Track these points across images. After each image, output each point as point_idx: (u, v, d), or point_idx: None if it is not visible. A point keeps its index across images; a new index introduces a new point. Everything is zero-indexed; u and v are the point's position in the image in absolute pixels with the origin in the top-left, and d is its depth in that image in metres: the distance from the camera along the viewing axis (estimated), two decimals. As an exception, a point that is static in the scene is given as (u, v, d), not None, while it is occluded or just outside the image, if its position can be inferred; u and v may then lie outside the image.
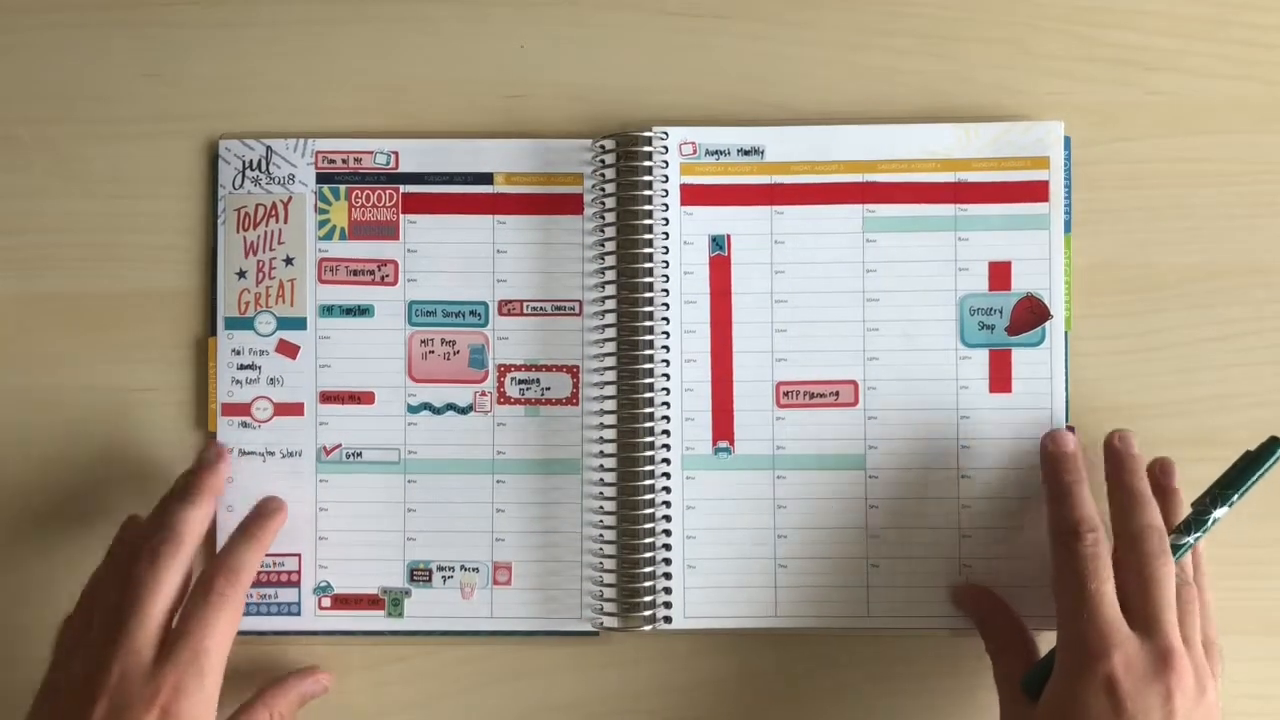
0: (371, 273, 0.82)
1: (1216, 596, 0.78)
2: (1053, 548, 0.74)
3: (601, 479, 0.80)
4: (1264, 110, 0.82)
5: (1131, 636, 0.69)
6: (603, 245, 0.80)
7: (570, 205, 0.82)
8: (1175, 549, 0.72)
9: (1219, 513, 0.74)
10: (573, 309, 0.82)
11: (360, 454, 0.82)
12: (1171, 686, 0.67)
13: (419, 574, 0.82)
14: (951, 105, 0.82)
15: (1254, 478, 0.74)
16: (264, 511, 0.80)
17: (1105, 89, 0.82)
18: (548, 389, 0.82)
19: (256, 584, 0.81)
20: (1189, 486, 0.79)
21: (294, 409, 0.82)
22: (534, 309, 0.82)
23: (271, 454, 0.82)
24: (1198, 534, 0.74)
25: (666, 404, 0.80)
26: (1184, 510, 0.76)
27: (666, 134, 0.81)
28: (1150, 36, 0.82)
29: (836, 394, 0.80)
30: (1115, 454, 0.78)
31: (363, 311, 0.82)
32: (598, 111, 0.83)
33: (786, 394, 0.81)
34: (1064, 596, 0.72)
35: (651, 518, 0.80)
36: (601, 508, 0.80)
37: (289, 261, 0.82)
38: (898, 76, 0.82)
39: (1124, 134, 0.82)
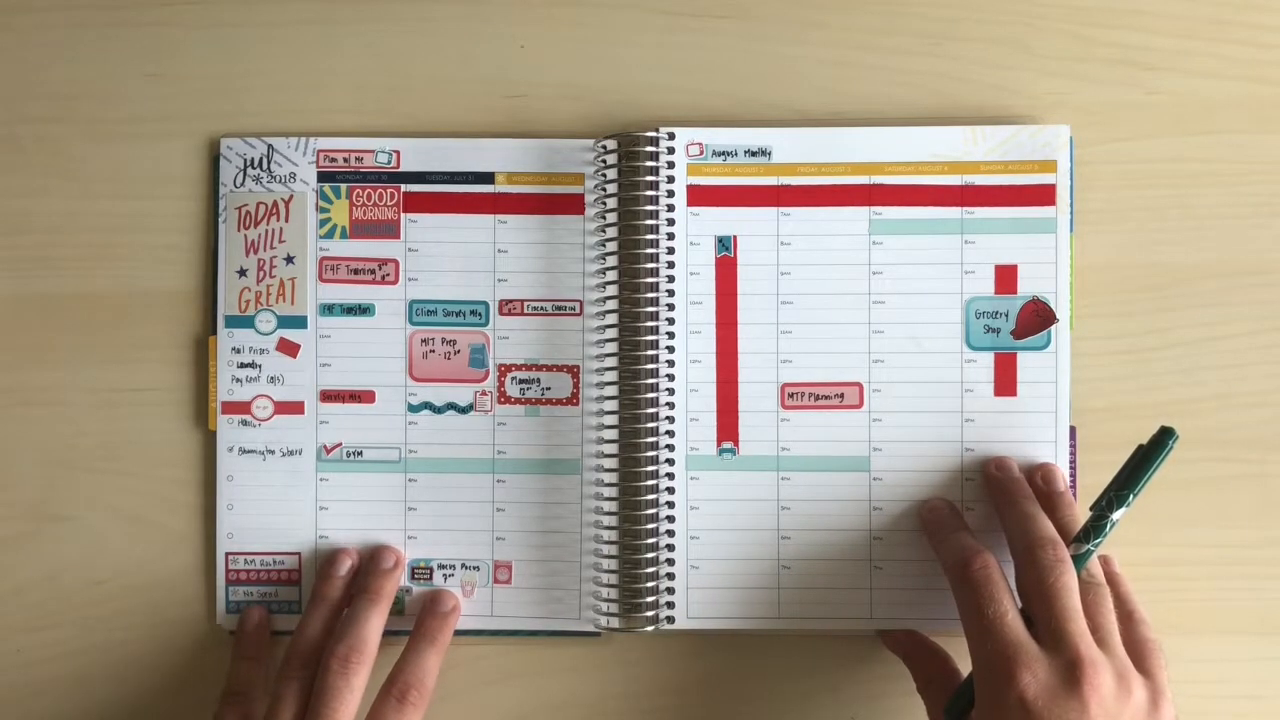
0: (372, 272, 0.82)
1: (1214, 596, 0.79)
2: (951, 587, 0.74)
3: (603, 479, 0.80)
4: (1264, 110, 0.82)
5: (1038, 654, 0.68)
6: (605, 245, 0.80)
7: (571, 205, 0.82)
8: (1077, 559, 0.72)
9: (1117, 515, 0.73)
10: (573, 309, 0.82)
11: (361, 453, 0.82)
12: (1086, 697, 0.66)
13: (420, 572, 0.82)
14: (952, 106, 0.82)
15: (1149, 473, 0.73)
16: (440, 611, 0.81)
17: (1105, 89, 0.82)
18: (548, 389, 0.82)
19: (256, 582, 0.81)
20: (1188, 486, 0.80)
21: (294, 408, 0.82)
22: (534, 309, 0.82)
23: (272, 453, 0.82)
24: (1098, 540, 0.73)
25: (671, 404, 0.80)
26: (1078, 510, 0.76)
27: (672, 134, 0.81)
28: (1150, 36, 0.82)
29: (841, 396, 0.80)
30: (996, 482, 0.79)
31: (363, 310, 0.82)
32: (597, 111, 0.83)
33: (791, 396, 0.81)
34: (968, 628, 0.72)
35: (655, 518, 0.80)
36: (602, 508, 0.80)
37: (290, 260, 0.82)
38: (899, 77, 0.82)
39: (1124, 134, 0.82)
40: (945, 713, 0.73)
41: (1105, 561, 0.76)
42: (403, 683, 0.75)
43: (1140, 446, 0.74)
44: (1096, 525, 0.73)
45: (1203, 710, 0.80)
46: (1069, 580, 0.70)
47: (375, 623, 0.77)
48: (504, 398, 0.82)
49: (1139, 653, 0.71)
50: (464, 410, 0.82)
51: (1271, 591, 0.81)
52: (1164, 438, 0.74)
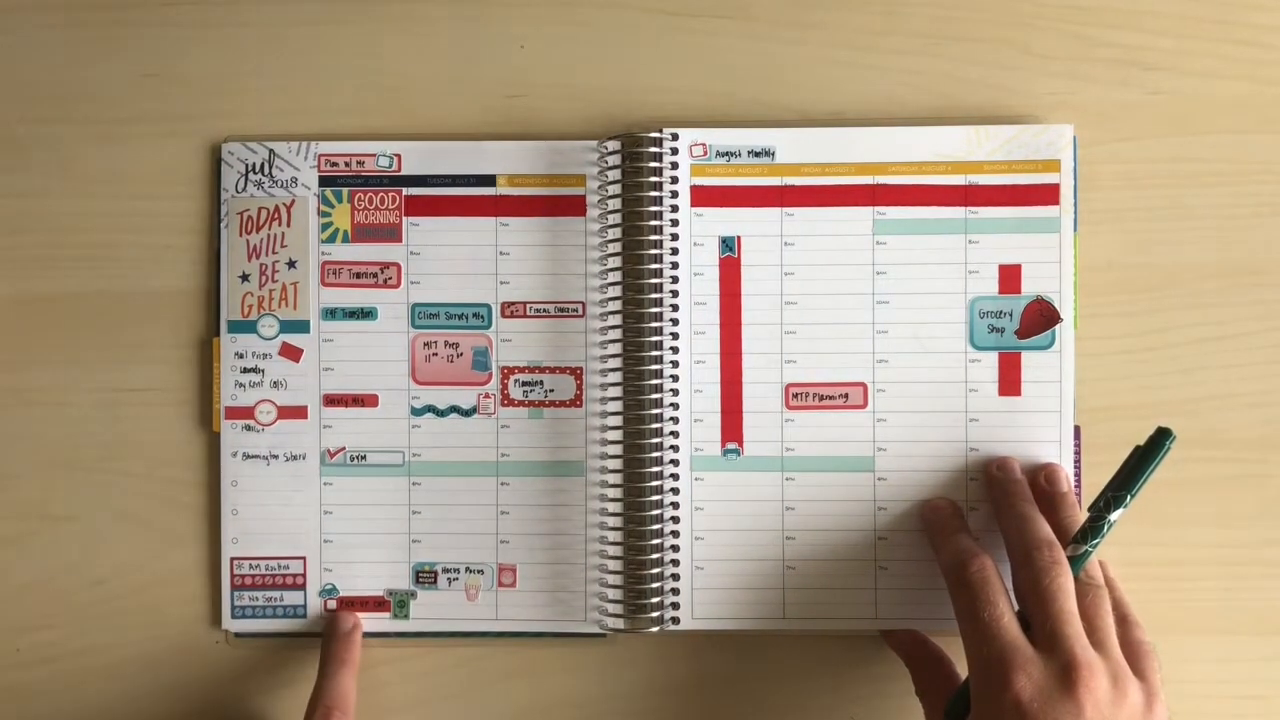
0: (374, 275, 0.82)
1: (1215, 595, 0.79)
2: (949, 589, 0.74)
3: (607, 480, 0.80)
4: (1264, 110, 0.82)
5: (1034, 656, 0.68)
6: (608, 246, 0.80)
7: (573, 207, 0.82)
8: (1075, 560, 0.72)
9: (1114, 516, 0.73)
10: (576, 310, 0.82)
11: (364, 457, 0.82)
12: (1081, 699, 0.66)
13: (424, 576, 0.81)
14: (953, 106, 0.82)
15: (1146, 473, 0.73)
16: (342, 632, 0.80)
17: (1105, 89, 0.82)
18: (551, 391, 0.82)
19: (261, 587, 0.81)
20: (1188, 486, 0.80)
21: (298, 412, 0.82)
22: (537, 311, 0.82)
23: (275, 457, 0.81)
24: (1095, 540, 0.73)
25: (675, 405, 0.80)
26: (1080, 512, 0.76)
27: (675, 135, 0.81)
28: (1150, 36, 0.82)
29: (845, 396, 0.81)
30: (997, 483, 0.79)
31: (366, 314, 0.82)
32: (597, 111, 0.83)
33: (796, 396, 0.81)
34: (964, 630, 0.72)
35: (660, 519, 0.80)
36: (607, 510, 0.80)
37: (292, 265, 0.82)
38: (899, 77, 0.82)
39: (1124, 134, 0.82)
40: (945, 716, 0.73)
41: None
42: (324, 707, 0.75)
43: (1137, 447, 0.74)
44: (1094, 526, 0.73)
45: (1203, 710, 0.81)
46: (1065, 582, 0.70)
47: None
48: (507, 400, 0.82)
49: (1132, 655, 0.71)
50: (467, 413, 0.82)
51: (1272, 591, 0.81)
52: (1161, 438, 0.73)
